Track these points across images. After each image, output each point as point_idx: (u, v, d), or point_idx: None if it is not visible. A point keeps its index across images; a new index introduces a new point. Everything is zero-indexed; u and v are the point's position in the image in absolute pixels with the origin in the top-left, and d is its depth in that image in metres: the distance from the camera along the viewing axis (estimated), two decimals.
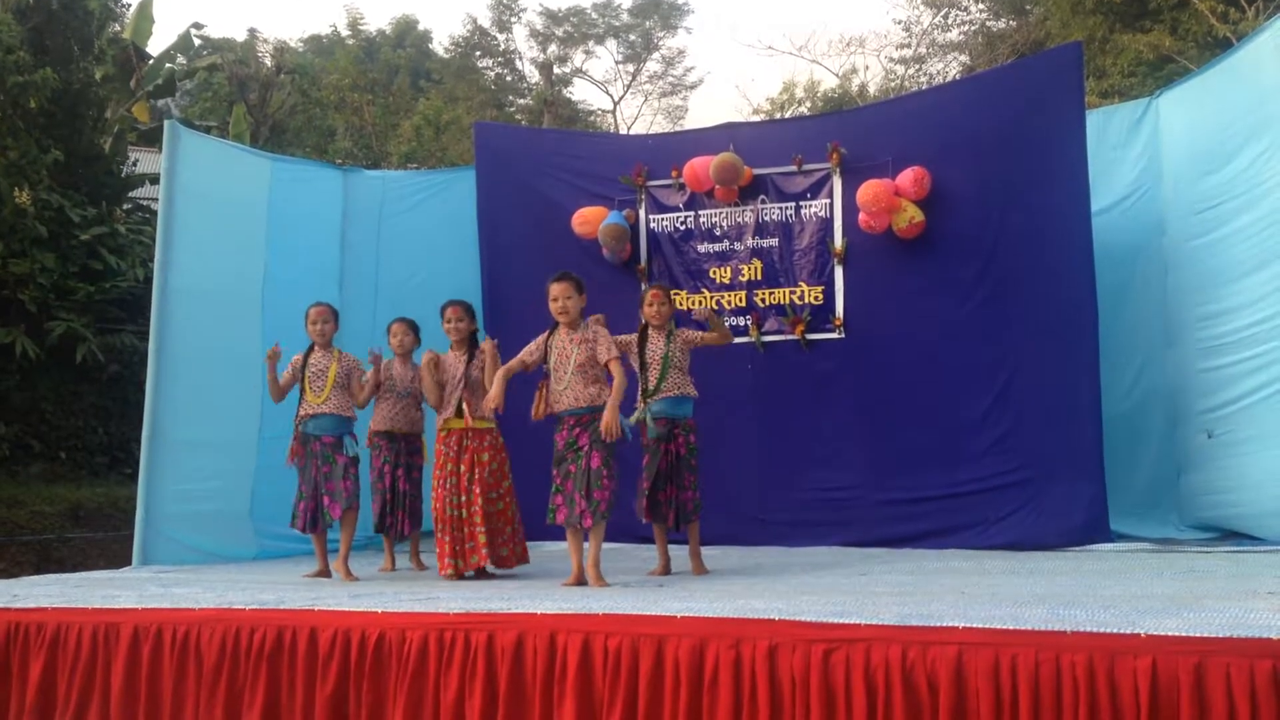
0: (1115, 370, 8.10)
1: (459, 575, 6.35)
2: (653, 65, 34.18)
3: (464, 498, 6.38)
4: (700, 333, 6.66)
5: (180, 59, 19.84)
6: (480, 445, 6.47)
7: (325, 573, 6.79)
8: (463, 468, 6.42)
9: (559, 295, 5.97)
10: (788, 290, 8.46)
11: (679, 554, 6.59)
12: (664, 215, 8.89)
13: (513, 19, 32.66)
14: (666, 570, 6.45)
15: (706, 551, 6.58)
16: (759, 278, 8.55)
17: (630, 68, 33.86)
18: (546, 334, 6.08)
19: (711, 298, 8.61)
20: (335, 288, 9.01)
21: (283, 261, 8.65)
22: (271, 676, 4.54)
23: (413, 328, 7.58)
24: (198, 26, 23.50)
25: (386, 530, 7.39)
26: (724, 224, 8.72)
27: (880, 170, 8.09)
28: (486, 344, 6.60)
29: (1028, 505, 7.60)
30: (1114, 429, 7.81)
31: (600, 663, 4.04)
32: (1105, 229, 8.01)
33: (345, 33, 34.66)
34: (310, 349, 6.98)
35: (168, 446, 7.75)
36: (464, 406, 6.45)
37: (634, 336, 6.55)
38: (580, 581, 5.70)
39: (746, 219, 8.64)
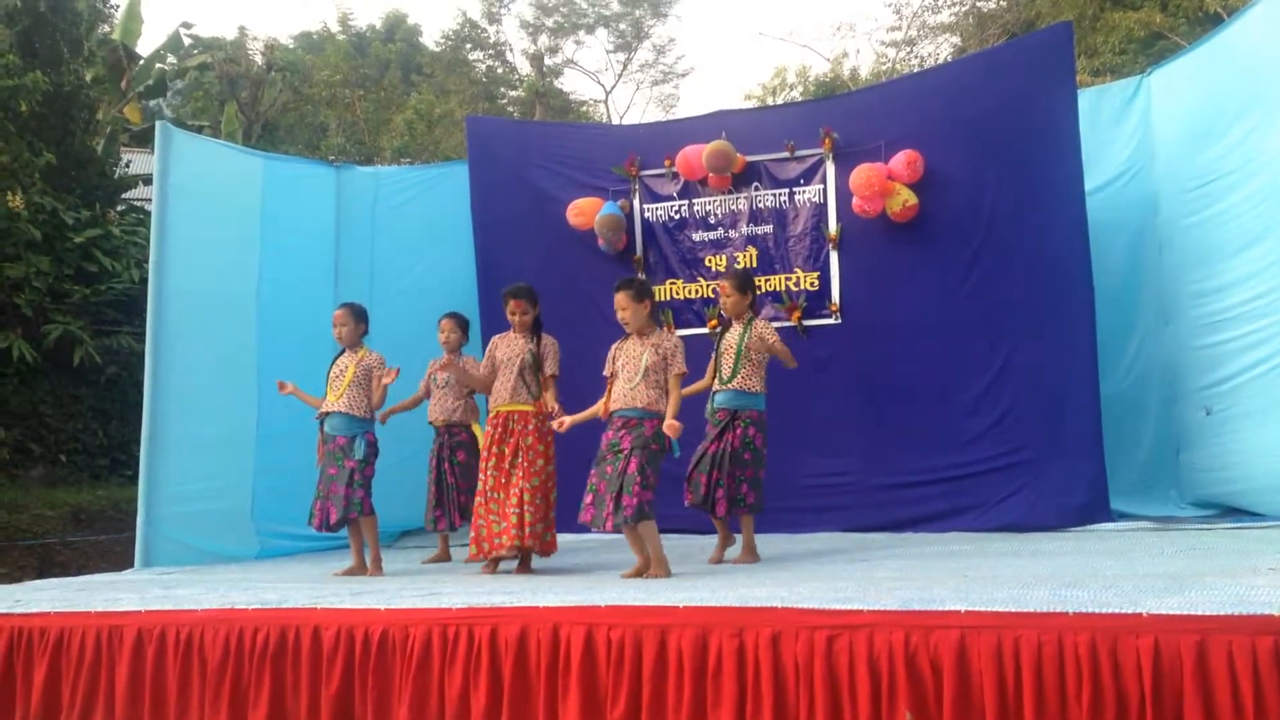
0: (1112, 349, 8.11)
1: (484, 558, 6.32)
2: (643, 54, 34.08)
3: (504, 480, 6.31)
4: (775, 338, 6.57)
5: (170, 59, 19.79)
6: (525, 428, 6.38)
7: (360, 569, 6.71)
8: (506, 450, 6.35)
9: (617, 306, 6.05)
10: (783, 277, 8.45)
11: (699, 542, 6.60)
12: (658, 205, 8.88)
13: (503, 10, 32.55)
14: (722, 558, 6.44)
15: (707, 539, 6.59)
16: (754, 265, 8.52)
17: (621, 57, 33.76)
18: (617, 345, 6.13)
19: (708, 285, 8.60)
20: (330, 285, 9.01)
21: (277, 260, 8.63)
22: (276, 676, 4.55)
23: (461, 324, 7.67)
24: (187, 26, 23.47)
25: (435, 524, 7.55)
26: (718, 212, 8.71)
27: (873, 154, 8.08)
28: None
29: (1028, 486, 7.60)
30: (1112, 408, 7.81)
31: (604, 654, 4.04)
32: (1099, 208, 8.01)
33: (335, 28, 34.58)
34: (342, 350, 6.98)
35: (167, 447, 7.74)
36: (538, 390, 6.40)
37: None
38: (640, 574, 5.67)
39: (740, 206, 8.63)
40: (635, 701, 3.96)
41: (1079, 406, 7.55)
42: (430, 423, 7.67)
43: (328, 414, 6.82)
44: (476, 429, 7.43)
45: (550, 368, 6.43)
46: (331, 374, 6.89)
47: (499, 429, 6.36)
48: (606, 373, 6.10)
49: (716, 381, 6.52)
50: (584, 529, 7.01)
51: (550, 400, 6.32)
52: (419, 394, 7.72)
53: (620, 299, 6.03)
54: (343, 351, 6.96)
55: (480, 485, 6.37)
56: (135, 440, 8.24)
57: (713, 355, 6.65)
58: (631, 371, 5.92)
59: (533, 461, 6.29)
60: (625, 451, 5.79)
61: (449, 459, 7.56)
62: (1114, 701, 3.34)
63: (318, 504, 6.78)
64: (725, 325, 6.67)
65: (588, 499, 5.86)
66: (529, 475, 6.27)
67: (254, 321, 8.45)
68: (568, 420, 6.05)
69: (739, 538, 6.52)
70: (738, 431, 6.42)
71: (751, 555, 6.36)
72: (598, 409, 6.07)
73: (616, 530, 5.74)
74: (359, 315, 6.98)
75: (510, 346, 6.48)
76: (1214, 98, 7.68)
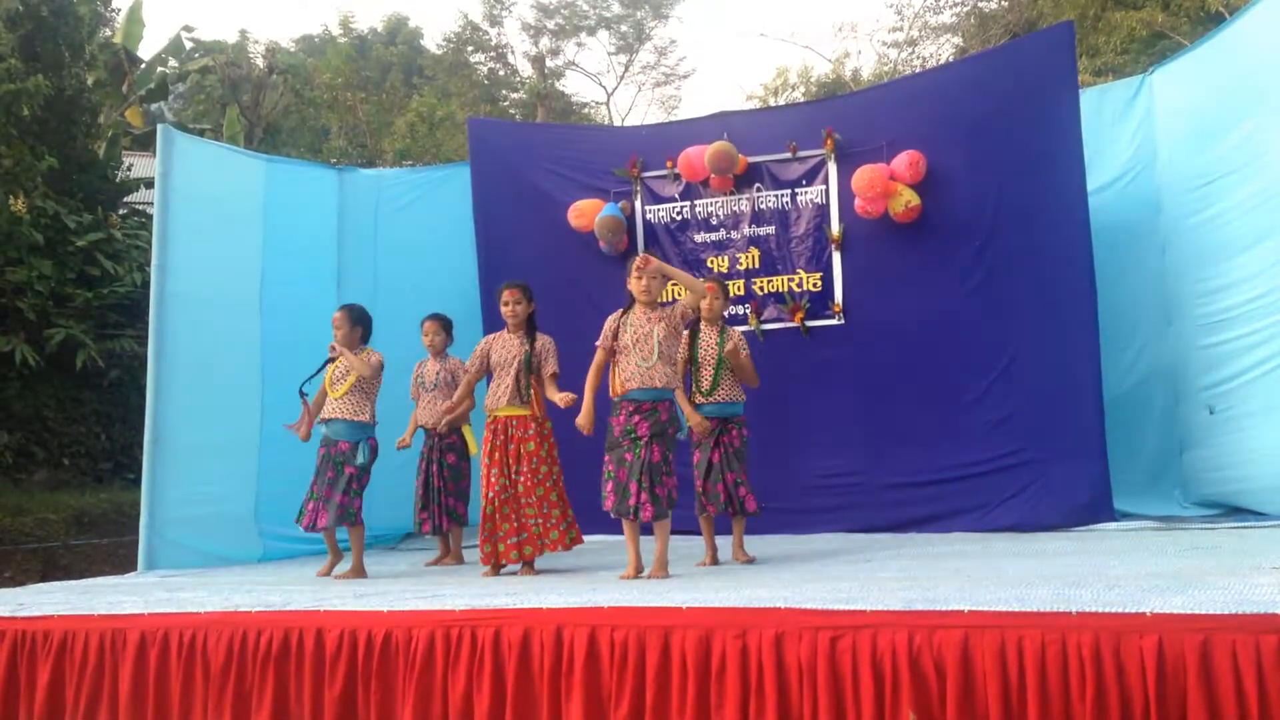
0: (1115, 349, 8.10)
1: (496, 564, 6.32)
2: (645, 56, 34.15)
3: (512, 489, 6.27)
4: (747, 353, 6.57)
5: (172, 62, 19.81)
6: (525, 434, 6.33)
7: (360, 572, 6.70)
8: (510, 457, 6.30)
9: (646, 273, 5.86)
10: (786, 278, 8.45)
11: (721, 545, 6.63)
12: (660, 206, 8.88)
13: (504, 13, 32.62)
14: (715, 560, 6.44)
15: (720, 541, 6.58)
16: (757, 266, 8.54)
17: (622, 59, 33.83)
18: (619, 314, 5.96)
19: None
20: (333, 287, 9.01)
21: (280, 262, 8.64)
22: (279, 678, 4.54)
23: (445, 326, 7.68)
24: (188, 29, 23.53)
25: (420, 527, 7.62)
26: (720, 213, 8.71)
27: (875, 155, 8.08)
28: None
29: (1031, 486, 7.60)
30: (1116, 407, 7.81)
31: (607, 656, 4.04)
32: (1102, 208, 8.01)
33: (337, 31, 34.64)
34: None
35: (170, 450, 7.74)
36: (531, 393, 6.33)
37: (685, 335, 6.52)
38: (638, 573, 5.64)
39: (743, 207, 8.63)
40: (639, 703, 3.95)
41: (1082, 406, 7.55)
42: (421, 425, 7.66)
43: (329, 419, 6.81)
44: (468, 432, 7.43)
45: (551, 366, 6.37)
46: (333, 376, 6.88)
47: (499, 434, 6.33)
48: (602, 345, 5.93)
49: (697, 394, 6.47)
50: (584, 530, 6.98)
51: (554, 394, 6.22)
52: (415, 395, 7.74)
53: (653, 268, 5.86)
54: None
55: (484, 490, 6.35)
56: (138, 443, 8.26)
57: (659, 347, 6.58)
58: (647, 350, 5.79)
59: (536, 469, 6.27)
60: (644, 439, 5.73)
61: (438, 461, 7.57)
62: (1118, 701, 3.34)
63: (310, 504, 6.77)
64: (694, 328, 6.53)
65: (608, 487, 5.80)
66: (538, 484, 6.27)
67: (257, 324, 8.46)
68: (586, 421, 5.90)
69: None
70: (733, 433, 6.48)
71: (745, 553, 6.40)
72: (594, 385, 5.98)
73: (656, 519, 5.68)
74: (356, 319, 6.92)
75: (506, 348, 6.41)
76: (1216, 97, 7.67)
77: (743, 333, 7.21)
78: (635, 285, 5.91)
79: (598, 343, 5.97)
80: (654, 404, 5.80)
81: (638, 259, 5.92)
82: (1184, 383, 8.05)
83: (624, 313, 5.97)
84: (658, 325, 5.83)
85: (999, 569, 5.15)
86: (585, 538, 6.57)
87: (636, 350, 5.81)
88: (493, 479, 6.29)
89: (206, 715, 4.62)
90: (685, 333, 6.45)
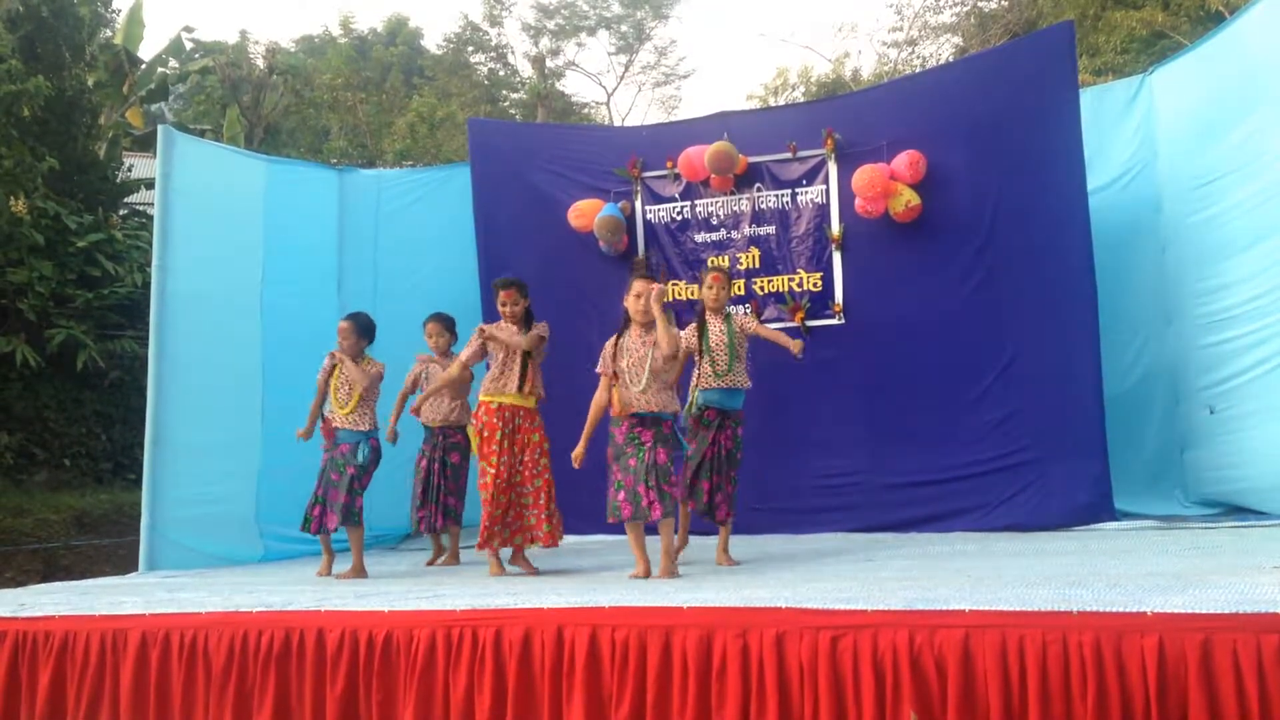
0: (1116, 348, 8.09)
1: (496, 548, 6.33)
2: (645, 56, 34.14)
3: (516, 476, 6.31)
4: (758, 324, 6.60)
5: (172, 63, 19.82)
6: (531, 424, 6.39)
7: (361, 571, 6.72)
8: (516, 446, 6.33)
9: (636, 293, 5.86)
10: (786, 278, 8.45)
11: (701, 543, 6.65)
12: (660, 206, 8.88)
13: (504, 13, 32.61)
14: (680, 548, 6.45)
15: (711, 541, 6.59)
16: (757, 266, 8.54)
17: (623, 59, 33.81)
18: (615, 339, 5.95)
19: None
20: (334, 287, 9.02)
21: (280, 263, 8.64)
22: (280, 678, 4.55)
23: (448, 326, 7.69)
24: (188, 30, 23.56)
25: (418, 525, 7.63)
26: (720, 213, 8.71)
27: (875, 155, 8.08)
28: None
29: (1032, 486, 7.59)
30: (1116, 407, 7.80)
31: (608, 655, 4.04)
32: (1102, 207, 8.01)
33: (337, 32, 34.61)
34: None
35: (171, 451, 7.74)
36: (525, 384, 6.34)
37: (692, 325, 6.51)
38: (648, 573, 5.63)
39: (743, 207, 8.63)
40: (640, 702, 3.96)
41: (1083, 406, 7.55)
42: (424, 423, 7.64)
43: (337, 427, 6.83)
44: (472, 433, 7.40)
45: (540, 331, 6.36)
46: (335, 382, 6.87)
47: (504, 421, 6.31)
48: (603, 371, 5.93)
49: (712, 376, 6.43)
50: (585, 530, 6.98)
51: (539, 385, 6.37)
52: (405, 389, 7.70)
53: (640, 285, 5.86)
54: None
55: (494, 476, 6.29)
56: (139, 444, 8.26)
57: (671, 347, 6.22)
58: (638, 374, 5.78)
59: (536, 460, 6.32)
60: (648, 444, 5.73)
61: (440, 459, 7.55)
62: (1119, 700, 3.34)
63: (315, 508, 6.80)
64: (700, 320, 6.51)
65: (620, 496, 5.74)
66: (535, 475, 6.30)
67: (257, 324, 8.46)
68: (580, 453, 5.89)
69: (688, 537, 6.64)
70: (728, 432, 6.43)
71: (729, 558, 6.35)
72: (596, 417, 5.98)
73: (665, 517, 5.65)
74: (362, 330, 6.92)
75: (508, 339, 6.44)
76: (1216, 96, 7.67)
77: None
78: (633, 305, 5.91)
79: (598, 369, 5.97)
80: (655, 419, 5.82)
81: (641, 283, 5.89)
82: (1184, 382, 8.04)
83: (619, 336, 5.95)
84: (653, 348, 5.81)
85: (999, 569, 5.15)
86: (587, 538, 6.58)
87: (631, 374, 5.83)
88: (500, 467, 6.27)
89: (208, 716, 4.63)
90: (692, 325, 6.50)
